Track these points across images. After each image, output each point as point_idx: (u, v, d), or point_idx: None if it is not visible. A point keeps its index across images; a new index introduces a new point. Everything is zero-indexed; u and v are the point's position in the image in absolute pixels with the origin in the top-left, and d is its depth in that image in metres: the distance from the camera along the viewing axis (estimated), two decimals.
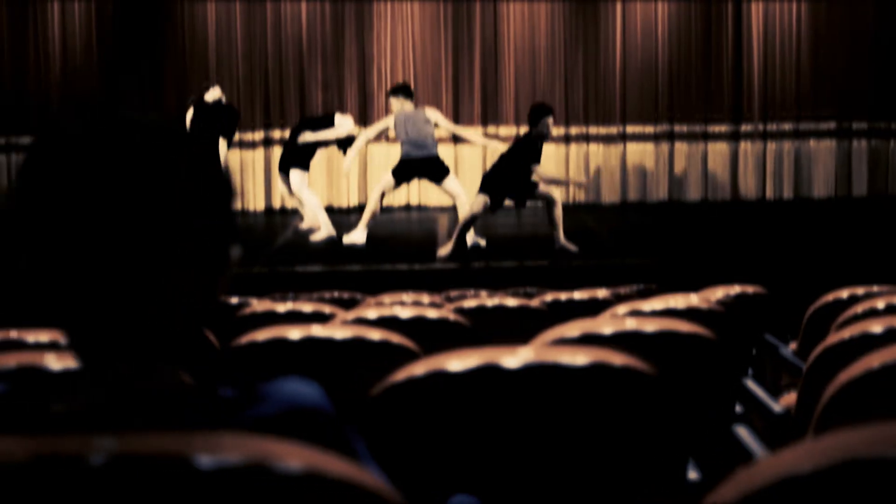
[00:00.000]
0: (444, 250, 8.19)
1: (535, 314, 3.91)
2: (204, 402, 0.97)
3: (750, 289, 4.93)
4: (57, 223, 0.92)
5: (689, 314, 3.17)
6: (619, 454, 1.71)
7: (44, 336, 2.51)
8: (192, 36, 11.25)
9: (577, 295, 4.66)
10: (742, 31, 11.30)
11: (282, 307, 3.79)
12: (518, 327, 3.70)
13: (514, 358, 1.80)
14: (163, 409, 0.95)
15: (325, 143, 9.02)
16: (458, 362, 1.78)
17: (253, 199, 11.19)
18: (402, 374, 1.73)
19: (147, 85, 11.15)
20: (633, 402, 1.75)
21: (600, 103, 11.35)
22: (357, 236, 8.63)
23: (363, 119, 11.13)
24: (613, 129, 11.40)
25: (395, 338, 2.45)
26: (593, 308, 4.38)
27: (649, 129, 11.36)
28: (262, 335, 2.43)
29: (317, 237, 8.93)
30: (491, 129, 11.41)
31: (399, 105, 8.64)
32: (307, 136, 8.87)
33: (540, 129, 8.16)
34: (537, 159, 8.30)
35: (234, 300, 4.48)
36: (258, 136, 11.19)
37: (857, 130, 11.29)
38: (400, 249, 8.48)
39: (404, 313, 3.15)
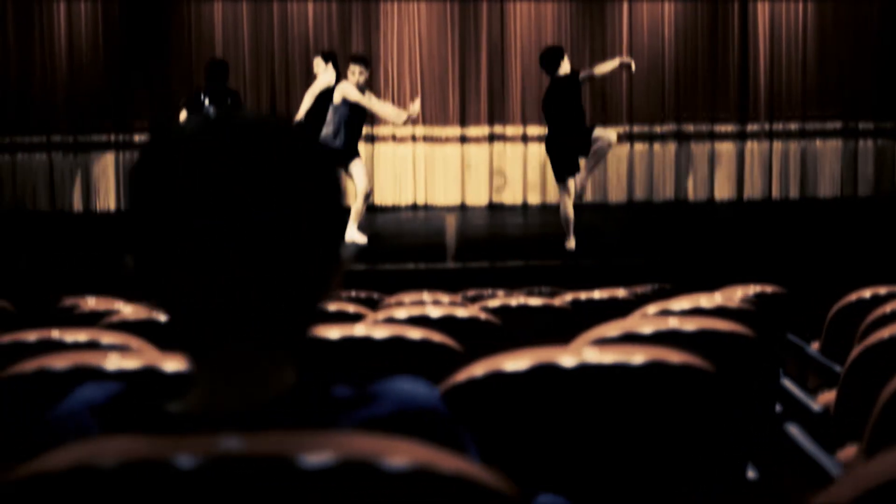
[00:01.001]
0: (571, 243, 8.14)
1: (560, 313, 3.91)
2: (318, 402, 0.97)
3: (769, 288, 4.94)
4: (175, 223, 0.91)
5: (719, 313, 3.17)
6: (680, 452, 1.71)
7: (82, 335, 2.50)
8: (198, 35, 11.24)
9: (597, 294, 4.66)
10: (748, 32, 11.30)
11: None
12: (545, 327, 3.70)
13: (571, 357, 1.80)
14: (279, 409, 0.95)
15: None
16: (516, 363, 1.78)
17: None
18: (462, 375, 1.73)
19: (154, 84, 11.12)
20: (692, 399, 1.75)
21: (607, 103, 11.35)
22: (354, 235, 8.57)
23: (371, 119, 11.10)
24: (620, 129, 11.37)
25: (436, 336, 2.45)
26: (616, 308, 4.38)
27: (656, 129, 11.36)
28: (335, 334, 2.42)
29: None
30: (498, 129, 11.40)
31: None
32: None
33: (563, 71, 8.03)
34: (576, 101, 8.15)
35: None
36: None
37: (864, 130, 11.29)
38: (407, 249, 8.46)
39: (434, 312, 3.14)
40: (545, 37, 11.30)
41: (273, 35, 11.25)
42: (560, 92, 8.21)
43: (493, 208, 11.25)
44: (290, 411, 0.94)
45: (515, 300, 3.92)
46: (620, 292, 4.94)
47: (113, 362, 1.69)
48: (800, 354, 3.86)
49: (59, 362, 1.74)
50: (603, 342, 2.40)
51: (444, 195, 11.29)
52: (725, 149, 11.34)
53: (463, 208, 11.11)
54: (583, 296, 4.57)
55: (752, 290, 4.84)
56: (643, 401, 1.77)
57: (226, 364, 0.96)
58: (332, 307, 3.77)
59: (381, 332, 2.48)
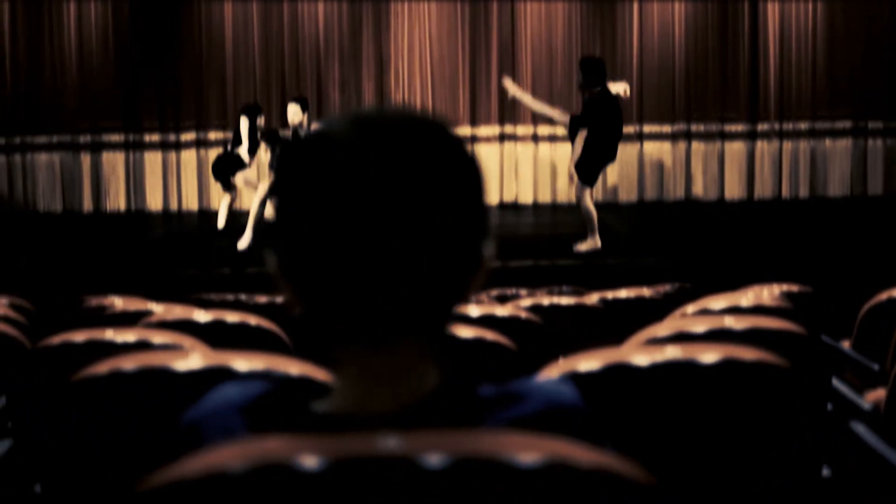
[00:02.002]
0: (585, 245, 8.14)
1: (592, 312, 3.91)
2: (465, 402, 0.96)
3: (795, 287, 4.93)
4: (324, 222, 0.90)
5: (760, 312, 3.16)
6: (757, 449, 1.70)
7: (130, 335, 2.48)
8: (208, 35, 11.23)
9: (624, 293, 4.65)
10: (758, 31, 11.29)
11: None
12: (581, 325, 3.69)
13: (644, 357, 1.79)
14: (428, 409, 0.93)
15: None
16: (589, 363, 1.77)
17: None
18: (542, 377, 1.72)
19: (164, 85, 11.11)
20: (767, 396, 1.74)
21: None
22: None
23: None
24: (630, 129, 11.36)
25: (489, 335, 2.44)
26: (645, 307, 4.38)
27: (666, 129, 11.35)
28: None
29: None
30: (508, 129, 11.40)
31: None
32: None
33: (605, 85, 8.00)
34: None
35: None
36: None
37: (873, 130, 11.29)
38: None
39: (474, 311, 3.13)
40: (555, 37, 11.29)
41: (283, 36, 11.24)
42: (613, 103, 8.08)
43: (504, 207, 11.24)
44: (439, 411, 0.93)
45: (547, 299, 3.91)
46: (646, 291, 4.94)
47: (243, 364, 1.67)
48: (833, 353, 3.84)
49: (129, 363, 1.73)
50: (655, 342, 2.39)
51: None
52: (736, 148, 11.33)
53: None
54: (609, 295, 4.57)
55: (778, 289, 4.84)
56: (717, 398, 1.76)
57: (373, 364, 0.94)
58: None
59: None
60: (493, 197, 11.26)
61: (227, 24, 11.20)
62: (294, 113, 8.81)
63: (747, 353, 1.81)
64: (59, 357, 2.36)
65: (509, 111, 11.29)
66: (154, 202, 11.31)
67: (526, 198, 11.44)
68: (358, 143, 0.91)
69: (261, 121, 9.10)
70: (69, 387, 1.64)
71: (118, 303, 4.14)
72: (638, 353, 1.81)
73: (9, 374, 2.83)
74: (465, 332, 2.46)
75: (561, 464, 0.84)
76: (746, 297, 3.87)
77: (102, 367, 1.69)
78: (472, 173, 0.95)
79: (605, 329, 3.64)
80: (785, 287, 4.76)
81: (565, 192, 11.40)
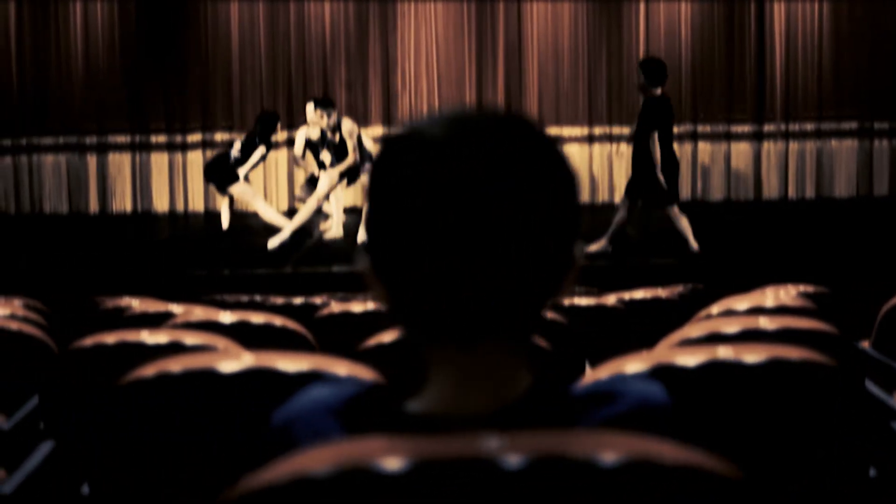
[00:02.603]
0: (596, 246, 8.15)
1: (612, 313, 3.90)
2: (559, 401, 0.96)
3: (810, 288, 4.92)
4: (420, 223, 0.90)
5: (785, 312, 3.15)
6: (804, 449, 1.70)
7: (162, 337, 2.47)
8: (214, 36, 11.22)
9: (640, 294, 4.65)
10: (765, 31, 11.29)
11: (359, 307, 3.77)
12: (604, 326, 3.68)
13: (691, 358, 1.78)
14: (523, 408, 0.93)
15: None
16: (636, 365, 1.77)
17: (276, 199, 11.16)
18: (588, 378, 1.72)
19: (170, 86, 11.11)
20: (813, 395, 1.74)
21: (624, 103, 11.32)
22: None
23: (387, 120, 11.13)
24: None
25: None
26: (662, 308, 4.37)
27: (673, 130, 11.32)
28: (388, 337, 2.41)
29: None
30: None
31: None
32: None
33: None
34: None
35: (318, 300, 4.46)
36: (281, 136, 11.13)
37: (879, 130, 11.29)
38: None
39: None
40: (562, 38, 11.29)
41: (290, 36, 11.23)
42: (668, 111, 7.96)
43: None
44: (533, 411, 0.93)
45: (567, 300, 3.90)
46: (662, 292, 4.93)
47: (289, 365, 1.66)
48: (853, 352, 3.84)
49: (175, 366, 1.72)
50: (688, 343, 2.38)
51: None
52: (742, 149, 11.33)
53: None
54: (626, 296, 4.56)
55: (795, 290, 4.83)
56: (764, 398, 1.76)
57: (468, 364, 0.94)
58: None
59: None
60: None
61: (233, 25, 11.19)
62: (319, 115, 8.70)
63: (793, 353, 1.80)
64: (93, 359, 2.35)
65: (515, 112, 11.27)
66: (160, 203, 11.30)
67: None
68: (453, 144, 0.91)
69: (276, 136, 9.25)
70: (117, 390, 1.64)
71: (136, 304, 4.14)
72: (684, 355, 1.81)
73: (40, 375, 2.82)
74: None
75: (659, 463, 0.84)
76: (768, 298, 3.86)
77: (149, 370, 1.69)
78: (565, 172, 0.95)
79: (627, 330, 3.63)
80: (801, 288, 4.76)
81: None
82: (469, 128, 0.93)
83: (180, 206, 11.28)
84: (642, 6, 11.28)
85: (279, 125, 9.40)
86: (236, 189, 9.26)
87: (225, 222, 9.52)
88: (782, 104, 11.30)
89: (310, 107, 8.88)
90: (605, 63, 11.37)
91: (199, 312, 3.55)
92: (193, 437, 1.64)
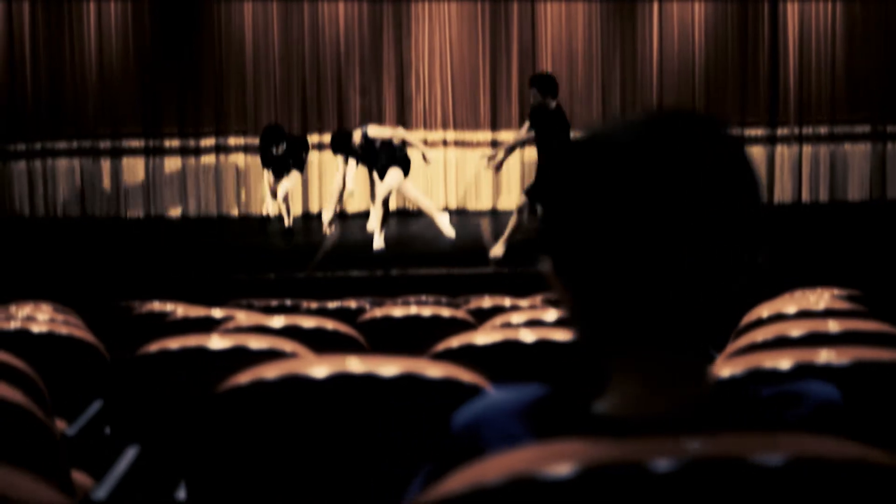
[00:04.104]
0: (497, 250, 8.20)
1: None
2: (745, 402, 0.95)
3: (843, 291, 4.92)
4: (612, 226, 0.90)
5: (831, 315, 3.15)
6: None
7: (226, 342, 2.46)
8: (228, 41, 11.21)
9: None
10: (778, 35, 11.30)
11: (400, 311, 3.76)
12: None
13: (784, 361, 1.78)
14: (712, 410, 0.93)
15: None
16: (730, 369, 1.77)
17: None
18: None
19: (184, 90, 11.10)
20: None
21: (637, 108, 11.33)
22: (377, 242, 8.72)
23: (401, 124, 11.11)
24: None
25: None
26: None
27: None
28: (456, 342, 2.40)
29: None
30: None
31: None
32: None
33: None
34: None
35: (353, 304, 4.45)
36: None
37: (892, 134, 11.30)
38: (445, 253, 8.44)
39: (550, 315, 3.13)
40: (575, 40, 11.30)
41: (304, 41, 11.22)
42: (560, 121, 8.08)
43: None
44: (723, 412, 0.93)
45: None
46: None
47: (388, 369, 1.65)
48: None
49: (271, 372, 1.71)
50: (759, 347, 2.38)
51: (476, 199, 11.29)
52: (755, 152, 11.33)
53: (494, 213, 11.07)
54: None
55: (828, 293, 4.83)
56: (850, 401, 1.75)
57: (656, 366, 0.94)
58: (428, 311, 3.74)
59: (529, 337, 2.46)
60: (514, 202, 11.26)
61: (247, 29, 11.18)
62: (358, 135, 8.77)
63: (878, 355, 1.80)
64: (160, 364, 2.34)
65: (527, 116, 11.28)
66: (173, 208, 11.29)
67: None
68: (644, 147, 0.91)
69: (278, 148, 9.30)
70: (214, 397, 1.63)
71: (178, 310, 4.12)
72: (772, 358, 1.81)
73: (96, 380, 2.82)
74: (565, 335, 2.45)
75: (866, 464, 0.83)
76: (812, 301, 3.86)
77: (244, 377, 1.68)
78: (753, 175, 0.94)
79: None
80: (835, 291, 4.76)
81: None
82: (660, 131, 0.92)
83: (193, 211, 11.27)
84: (656, 8, 11.29)
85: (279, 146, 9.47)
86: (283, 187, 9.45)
87: (288, 220, 9.63)
88: (795, 107, 11.30)
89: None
90: (619, 67, 11.37)
91: (244, 317, 3.54)
92: (294, 444, 1.63)
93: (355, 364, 1.75)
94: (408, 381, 1.70)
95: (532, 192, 8.28)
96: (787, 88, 11.29)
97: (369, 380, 1.70)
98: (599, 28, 11.30)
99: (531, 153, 11.10)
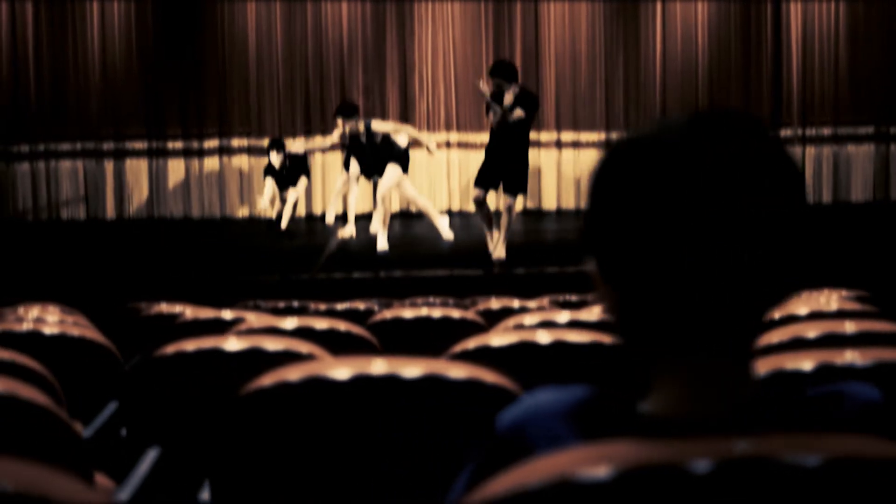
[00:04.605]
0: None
1: None
2: (790, 403, 0.95)
3: (852, 292, 4.92)
4: (660, 228, 0.90)
5: (846, 316, 3.15)
6: None
7: (242, 344, 2.46)
8: (231, 43, 11.21)
9: None
10: (781, 37, 11.30)
11: (410, 313, 3.76)
12: None
13: (806, 362, 1.78)
14: (759, 410, 0.93)
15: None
16: (800, 363, 1.78)
17: None
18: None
19: (187, 91, 11.10)
20: None
21: (641, 108, 11.34)
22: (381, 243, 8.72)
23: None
24: None
25: (606, 338, 2.44)
26: None
27: None
28: (472, 343, 2.40)
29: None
30: (532, 135, 11.35)
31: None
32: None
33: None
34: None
35: (361, 306, 4.45)
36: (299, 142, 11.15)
37: (895, 135, 11.31)
38: (449, 255, 8.44)
39: (563, 317, 3.13)
40: (579, 40, 11.30)
41: (307, 42, 11.22)
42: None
43: (528, 214, 11.23)
44: (767, 413, 0.93)
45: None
46: None
47: (412, 370, 1.65)
48: None
49: (294, 374, 1.71)
50: (774, 348, 2.38)
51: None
52: None
53: (498, 214, 11.05)
54: None
55: (837, 294, 4.83)
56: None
57: (699, 368, 0.94)
58: (438, 313, 3.74)
59: (545, 338, 2.46)
60: (517, 203, 11.25)
61: (250, 30, 11.18)
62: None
63: None
64: (177, 366, 2.34)
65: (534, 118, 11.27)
66: (177, 210, 11.29)
67: (549, 204, 11.44)
68: (689, 148, 0.92)
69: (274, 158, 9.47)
70: (238, 399, 1.63)
71: (187, 311, 4.12)
72: (794, 359, 1.81)
73: (110, 382, 2.81)
74: (579, 336, 2.45)
75: None
76: (823, 302, 3.86)
77: (267, 379, 1.68)
78: (797, 176, 0.95)
79: None
80: (843, 292, 4.76)
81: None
82: (705, 131, 0.93)
83: (196, 213, 11.27)
84: (659, 10, 11.29)
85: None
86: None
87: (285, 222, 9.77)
88: (799, 109, 11.31)
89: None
90: (622, 68, 11.37)
91: (254, 319, 3.54)
92: (318, 445, 1.63)
93: (378, 365, 1.74)
94: (431, 383, 1.69)
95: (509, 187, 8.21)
96: (790, 89, 11.30)
97: (392, 381, 1.70)
98: (603, 28, 11.30)
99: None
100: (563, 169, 11.43)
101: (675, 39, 11.34)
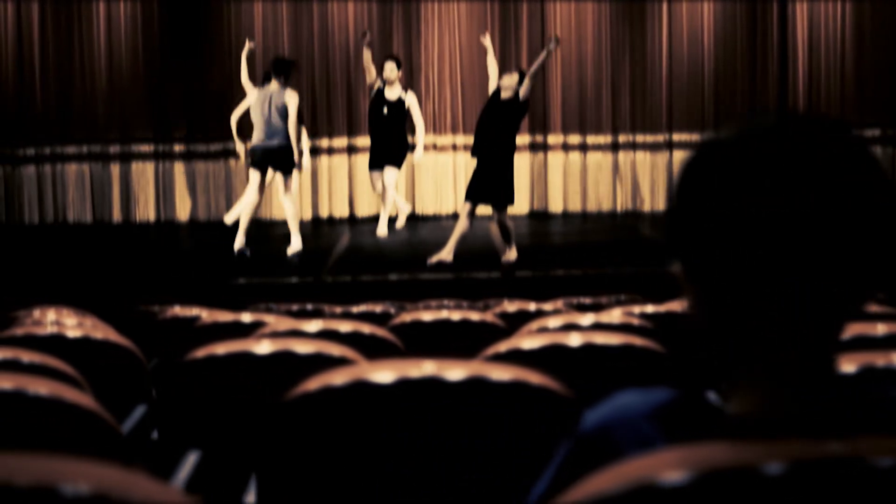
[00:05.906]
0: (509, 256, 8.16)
1: (684, 319, 3.88)
2: (874, 404, 0.95)
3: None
4: (752, 229, 0.91)
5: (872, 318, 3.15)
6: None
7: (272, 346, 2.46)
8: (237, 44, 11.19)
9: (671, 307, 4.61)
10: (787, 39, 11.30)
11: (429, 316, 3.76)
12: (687, 332, 3.66)
13: (847, 365, 1.78)
14: (843, 411, 0.93)
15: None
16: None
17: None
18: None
19: (192, 94, 11.10)
20: None
21: (647, 111, 11.35)
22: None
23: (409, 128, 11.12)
24: (660, 137, 11.42)
25: (638, 341, 2.44)
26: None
27: (696, 137, 11.35)
28: (504, 346, 2.40)
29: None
30: (538, 138, 11.39)
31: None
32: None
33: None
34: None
35: (377, 309, 4.44)
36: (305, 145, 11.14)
37: None
38: (456, 258, 8.43)
39: (586, 320, 3.13)
40: (585, 41, 11.30)
41: (314, 44, 11.22)
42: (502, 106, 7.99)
43: (534, 216, 11.23)
44: (853, 413, 0.93)
45: (638, 308, 3.89)
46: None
47: (455, 373, 1.65)
48: None
49: (338, 378, 1.70)
50: (846, 345, 2.37)
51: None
52: None
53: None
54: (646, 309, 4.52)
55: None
56: None
57: (780, 369, 0.94)
58: (457, 316, 3.74)
59: (575, 341, 2.46)
60: (523, 206, 11.26)
61: (256, 32, 11.16)
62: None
63: None
64: (208, 369, 2.34)
65: (539, 120, 11.30)
66: (183, 212, 11.29)
67: (556, 206, 11.43)
68: (776, 151, 0.92)
69: None
70: (284, 404, 1.62)
71: (204, 314, 4.12)
72: (884, 356, 1.82)
73: (137, 385, 2.81)
74: (608, 338, 2.45)
75: None
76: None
77: (313, 384, 1.67)
78: (885, 180, 0.94)
79: None
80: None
81: (595, 200, 11.40)
82: (795, 133, 0.93)
83: (202, 215, 11.26)
84: (665, 10, 11.30)
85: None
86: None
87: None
88: (805, 111, 11.31)
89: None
90: (629, 71, 11.38)
91: (275, 321, 3.53)
92: (364, 449, 1.63)
93: (421, 368, 1.74)
94: (475, 385, 1.69)
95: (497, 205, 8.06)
96: (796, 91, 11.30)
97: (436, 383, 1.70)
98: (609, 30, 11.31)
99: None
100: (569, 171, 11.42)
101: (682, 41, 11.34)
